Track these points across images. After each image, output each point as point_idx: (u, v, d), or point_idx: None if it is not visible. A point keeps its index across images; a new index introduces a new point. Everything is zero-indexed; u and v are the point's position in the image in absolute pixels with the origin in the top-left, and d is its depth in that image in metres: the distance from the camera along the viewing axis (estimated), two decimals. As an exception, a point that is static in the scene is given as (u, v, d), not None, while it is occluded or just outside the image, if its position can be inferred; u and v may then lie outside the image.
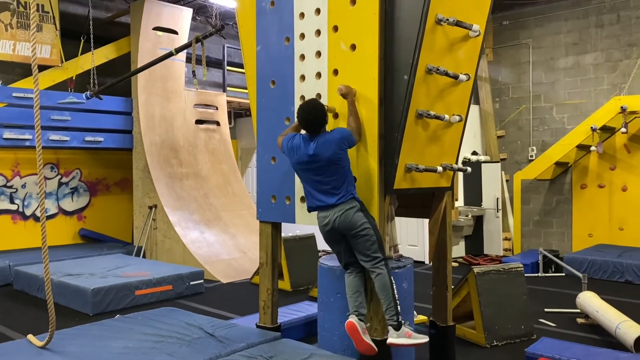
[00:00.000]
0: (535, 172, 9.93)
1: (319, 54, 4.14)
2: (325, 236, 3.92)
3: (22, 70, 9.03)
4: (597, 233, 9.75)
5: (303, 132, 3.93)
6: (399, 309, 3.67)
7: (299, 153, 3.83)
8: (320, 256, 6.42)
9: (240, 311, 6.38)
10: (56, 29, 9.22)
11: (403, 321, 3.68)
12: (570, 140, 9.31)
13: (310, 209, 3.95)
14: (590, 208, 9.84)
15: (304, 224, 4.32)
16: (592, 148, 9.05)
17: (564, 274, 8.36)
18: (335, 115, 4.02)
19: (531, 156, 10.65)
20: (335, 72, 4.03)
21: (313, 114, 3.78)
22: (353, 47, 3.91)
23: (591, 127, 8.82)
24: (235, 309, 6.61)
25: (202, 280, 7.56)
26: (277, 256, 4.68)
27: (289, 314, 5.40)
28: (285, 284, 7.49)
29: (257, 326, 4.65)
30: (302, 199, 4.27)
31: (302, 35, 4.24)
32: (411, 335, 3.66)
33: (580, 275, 6.38)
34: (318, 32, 4.12)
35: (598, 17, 9.92)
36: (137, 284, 6.79)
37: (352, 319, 3.68)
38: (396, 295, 3.68)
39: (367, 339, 3.65)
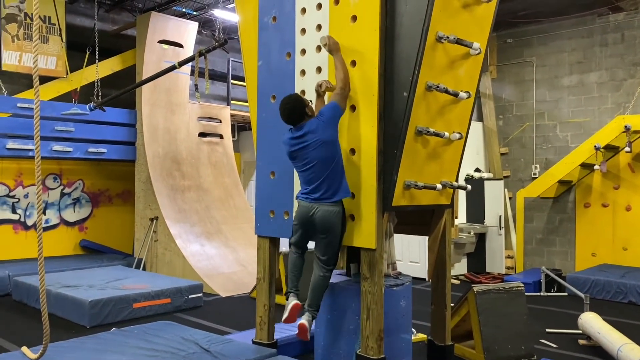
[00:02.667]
0: (538, 190, 9.88)
1: (319, 69, 4.15)
2: (299, 222, 3.99)
3: (27, 81, 9.08)
4: (600, 253, 9.66)
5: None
6: (319, 303, 4.04)
7: (291, 146, 3.90)
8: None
9: (238, 326, 6.33)
10: (62, 41, 9.29)
11: (311, 311, 4.00)
12: (573, 158, 9.27)
13: (299, 199, 4.00)
14: (594, 227, 9.76)
15: (302, 239, 4.28)
16: (596, 167, 9.00)
17: (566, 294, 8.27)
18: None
19: (534, 174, 10.61)
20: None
21: (290, 104, 3.84)
22: (353, 63, 3.91)
23: (595, 146, 8.78)
24: (233, 323, 6.55)
25: (201, 294, 7.51)
26: (274, 271, 4.64)
27: (286, 330, 5.34)
28: (284, 299, 7.41)
29: (254, 342, 4.61)
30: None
31: (303, 51, 4.26)
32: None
33: (582, 295, 6.31)
34: (319, 48, 4.13)
35: (602, 36, 9.92)
36: (135, 297, 6.75)
37: (295, 299, 4.02)
38: (322, 295, 4.04)
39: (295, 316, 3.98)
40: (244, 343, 4.59)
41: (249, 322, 6.16)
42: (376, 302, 3.84)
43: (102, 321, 6.35)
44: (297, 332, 3.90)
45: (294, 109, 3.84)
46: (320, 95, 3.99)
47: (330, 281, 4.26)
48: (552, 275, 8.30)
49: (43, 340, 3.90)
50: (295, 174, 4.17)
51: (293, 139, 3.86)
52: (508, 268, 10.29)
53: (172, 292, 7.15)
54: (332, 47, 3.87)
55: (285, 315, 3.95)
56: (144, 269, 9.33)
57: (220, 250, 9.28)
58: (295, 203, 4.14)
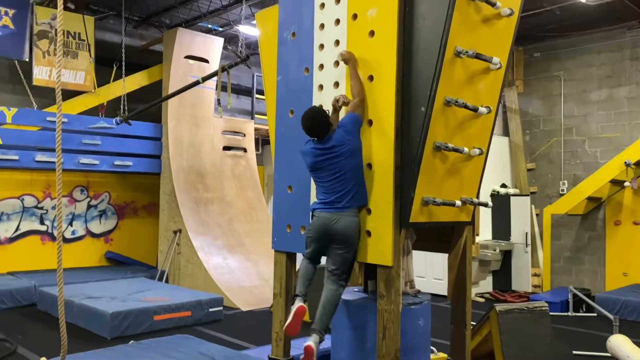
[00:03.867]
0: (566, 207, 9.64)
1: (337, 84, 4.13)
2: (315, 234, 3.92)
3: (57, 95, 9.31)
4: (632, 272, 9.34)
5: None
6: (329, 323, 3.87)
7: (312, 157, 3.89)
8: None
9: (257, 341, 6.30)
10: (90, 56, 9.51)
11: (319, 332, 3.79)
12: (603, 175, 9.03)
13: (313, 210, 3.96)
14: (625, 246, 9.46)
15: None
16: (626, 183, 8.75)
17: (595, 315, 8.01)
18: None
19: (562, 190, 10.37)
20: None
21: (317, 118, 3.85)
22: (371, 78, 3.89)
23: (625, 162, 8.55)
24: (252, 338, 6.53)
25: (221, 307, 7.51)
26: (291, 287, 4.61)
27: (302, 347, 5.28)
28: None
29: (270, 358, 4.56)
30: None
31: (321, 66, 4.25)
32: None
33: (611, 316, 6.10)
34: (337, 64, 4.12)
35: (632, 50, 9.70)
36: (155, 309, 6.79)
37: (301, 302, 3.87)
38: (333, 314, 3.90)
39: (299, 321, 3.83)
40: (260, 359, 4.55)
41: (268, 337, 6.10)
42: (393, 321, 3.77)
43: (123, 333, 6.40)
44: (302, 355, 3.72)
45: (321, 123, 3.86)
46: (336, 110, 3.98)
47: (348, 298, 4.21)
48: (580, 295, 8.05)
49: (60, 351, 3.94)
50: (313, 188, 4.15)
51: (318, 149, 3.84)
52: (535, 286, 10.03)
53: (193, 305, 7.17)
54: (348, 57, 3.89)
55: (289, 320, 3.79)
56: (166, 281, 9.40)
57: (242, 264, 9.29)
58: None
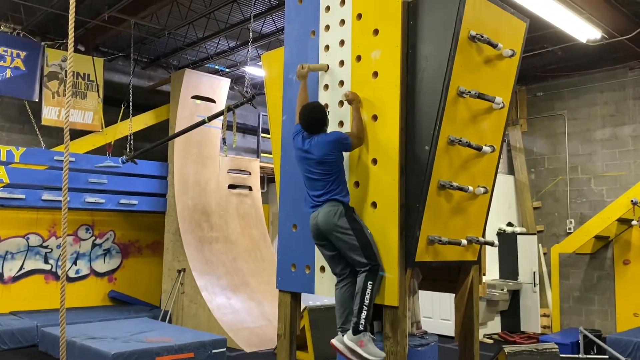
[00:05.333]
0: (574, 246, 9.54)
1: (341, 123, 4.17)
2: (313, 236, 3.93)
3: (65, 134, 9.43)
4: (643, 313, 9.17)
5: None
6: (363, 315, 3.57)
7: (297, 149, 3.99)
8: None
9: (260, 383, 6.17)
10: (99, 97, 9.68)
11: (365, 331, 3.57)
12: (610, 213, 8.97)
13: (308, 209, 3.96)
14: (635, 285, 9.30)
15: (323, 295, 4.21)
16: (634, 222, 8.67)
17: (607, 357, 7.81)
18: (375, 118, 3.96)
19: (569, 229, 10.28)
20: (363, 142, 4.02)
21: (312, 115, 3.92)
22: (375, 117, 3.92)
23: (632, 201, 8.50)
24: (255, 380, 6.39)
25: (224, 349, 7.37)
26: (295, 328, 4.54)
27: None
28: (309, 357, 7.24)
29: (273, 402, 4.45)
30: (322, 269, 4.18)
31: (326, 106, 4.30)
32: (363, 346, 3.55)
33: (623, 359, 5.94)
34: (341, 103, 4.17)
35: (635, 89, 9.78)
36: (158, 350, 6.66)
37: (337, 341, 3.66)
38: (365, 303, 3.58)
39: (352, 355, 3.58)
40: (263, 402, 4.44)
41: (271, 379, 6.00)
42: (399, 363, 3.68)
43: (124, 375, 6.27)
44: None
45: (318, 121, 3.94)
46: (304, 78, 4.19)
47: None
48: (591, 336, 7.88)
49: (59, 394, 3.86)
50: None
51: (300, 143, 3.95)
52: (544, 327, 9.84)
53: (196, 347, 7.04)
54: (352, 98, 3.94)
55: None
56: (169, 321, 9.28)
57: (246, 304, 9.18)
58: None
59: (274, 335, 8.37)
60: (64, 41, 9.31)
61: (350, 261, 3.76)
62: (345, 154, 4.06)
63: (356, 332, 3.59)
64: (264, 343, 8.26)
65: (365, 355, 3.57)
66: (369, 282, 3.61)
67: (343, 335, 3.67)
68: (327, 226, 3.76)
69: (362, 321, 3.58)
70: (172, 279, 9.58)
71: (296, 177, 4.46)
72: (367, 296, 3.59)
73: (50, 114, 9.19)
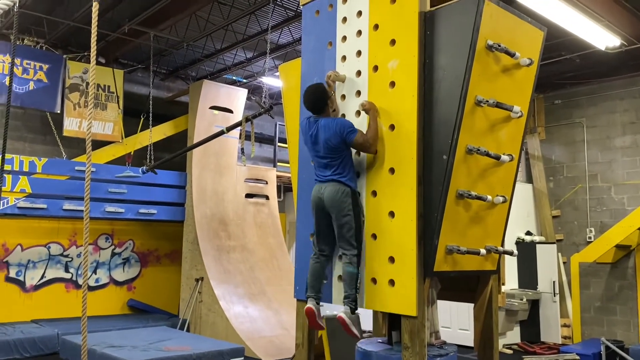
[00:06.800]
0: (594, 255, 9.40)
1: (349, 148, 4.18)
2: (314, 206, 4.11)
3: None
4: (666, 323, 8.99)
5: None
6: (354, 295, 3.95)
7: (305, 133, 4.17)
8: (362, 338, 6.18)
9: (278, 393, 6.17)
10: (119, 108, 9.84)
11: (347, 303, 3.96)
12: (631, 222, 8.83)
13: (315, 181, 4.15)
14: (658, 295, 9.14)
15: (341, 304, 4.20)
16: (656, 231, 8.54)
17: (630, 368, 7.67)
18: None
19: (589, 238, 10.15)
20: (375, 151, 4.05)
21: (315, 95, 4.10)
22: (392, 127, 3.94)
23: (653, 209, 8.37)
24: (273, 390, 6.39)
25: (242, 358, 7.40)
26: (313, 337, 4.55)
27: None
28: (326, 366, 7.21)
29: (292, 411, 4.46)
30: (339, 278, 4.19)
31: (343, 116, 4.33)
32: (356, 325, 3.97)
33: (647, 370, 5.84)
34: (358, 113, 4.19)
35: (656, 96, 9.67)
36: (176, 359, 6.71)
37: (311, 304, 4.06)
38: (358, 287, 3.96)
39: (320, 321, 4.10)
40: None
41: (289, 389, 5.99)
42: (418, 373, 3.67)
43: (144, 383, 6.32)
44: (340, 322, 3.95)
45: (318, 98, 4.11)
46: (330, 86, 4.25)
47: (372, 349, 4.13)
48: (613, 347, 7.74)
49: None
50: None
51: (309, 126, 4.13)
52: (565, 338, 9.69)
53: (213, 355, 7.07)
54: (369, 107, 4.01)
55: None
56: (188, 330, 9.33)
57: (263, 313, 9.20)
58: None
59: (291, 345, 8.39)
60: (86, 53, 9.49)
61: (341, 240, 4.00)
62: (362, 162, 4.09)
63: (353, 312, 3.96)
64: (282, 352, 8.27)
65: (356, 332, 3.97)
66: (356, 269, 3.94)
67: (311, 303, 4.06)
68: (332, 202, 3.95)
69: (356, 304, 3.99)
70: (190, 288, 9.64)
71: (313, 185, 4.48)
72: (358, 281, 3.96)
73: (71, 125, 9.36)
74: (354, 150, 4.16)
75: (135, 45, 9.48)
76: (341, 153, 4.02)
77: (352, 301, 3.94)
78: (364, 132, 3.99)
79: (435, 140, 3.77)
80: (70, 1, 8.24)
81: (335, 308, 8.47)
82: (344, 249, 3.99)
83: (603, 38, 7.89)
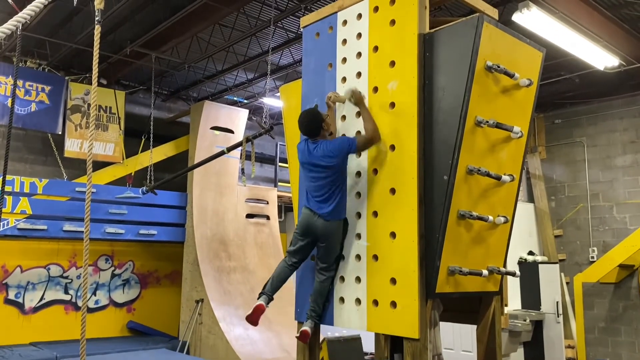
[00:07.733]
0: (597, 275, 9.32)
1: (359, 153, 4.19)
2: (300, 230, 4.18)
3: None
4: (672, 344, 8.88)
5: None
6: (320, 310, 4.19)
7: (303, 155, 4.19)
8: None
9: (279, 417, 6.07)
10: (120, 129, 9.87)
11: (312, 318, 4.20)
12: (633, 241, 8.77)
13: (304, 207, 4.18)
14: (663, 316, 9.04)
15: (343, 327, 4.16)
16: (660, 250, 8.47)
17: (636, 390, 7.56)
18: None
19: (592, 257, 10.09)
20: (375, 171, 4.04)
21: (309, 118, 4.16)
22: (392, 147, 3.93)
23: (656, 228, 8.33)
24: (274, 414, 6.29)
25: (242, 381, 7.31)
26: (315, 359, 4.48)
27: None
28: (328, 389, 7.11)
29: None
30: (341, 300, 4.15)
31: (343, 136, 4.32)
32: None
33: (653, 393, 5.75)
34: (358, 132, 4.19)
35: (655, 115, 9.70)
36: (176, 382, 6.63)
37: (262, 301, 4.23)
38: (326, 302, 4.18)
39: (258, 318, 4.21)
40: None
41: (290, 413, 5.90)
42: (421, 397, 3.61)
43: (142, 407, 6.23)
44: (298, 335, 4.13)
45: (312, 122, 4.14)
46: (330, 107, 4.27)
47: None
48: (619, 368, 7.64)
49: None
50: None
51: (307, 149, 4.14)
52: (569, 359, 9.57)
53: (214, 378, 6.99)
54: (358, 99, 4.08)
55: (249, 312, 4.16)
56: (187, 352, 9.23)
57: (263, 335, 9.10)
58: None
59: (292, 367, 8.29)
60: (87, 75, 9.56)
61: (324, 259, 4.14)
62: (363, 182, 4.08)
63: (317, 327, 4.23)
64: (283, 375, 8.17)
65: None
66: (328, 288, 4.16)
67: (263, 301, 4.24)
68: (327, 233, 4.05)
69: (320, 319, 4.21)
70: (191, 309, 9.56)
71: (314, 207, 4.47)
72: (326, 299, 4.17)
73: (72, 146, 9.39)
74: (352, 156, 4.16)
75: (136, 67, 9.55)
76: (339, 174, 4.04)
77: (318, 317, 4.20)
78: (365, 132, 4.04)
79: (435, 160, 3.77)
80: (73, 24, 8.32)
81: (336, 330, 8.41)
82: (323, 268, 4.14)
83: (602, 58, 7.95)
